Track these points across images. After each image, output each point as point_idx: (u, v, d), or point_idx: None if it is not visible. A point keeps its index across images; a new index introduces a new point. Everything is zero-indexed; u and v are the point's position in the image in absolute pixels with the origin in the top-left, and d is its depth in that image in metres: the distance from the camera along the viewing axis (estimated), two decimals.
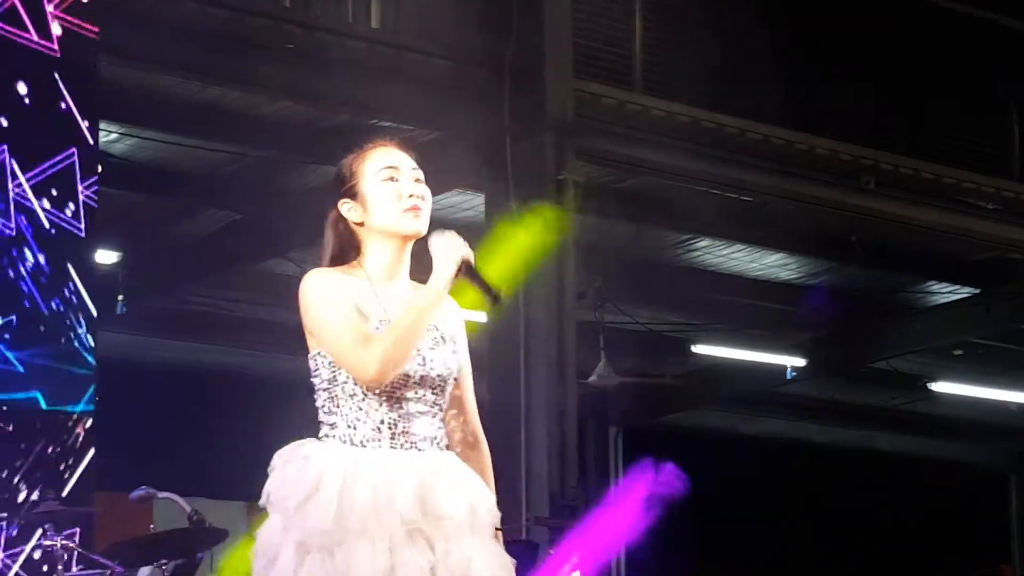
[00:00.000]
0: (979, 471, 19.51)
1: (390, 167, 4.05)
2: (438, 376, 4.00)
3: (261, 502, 3.97)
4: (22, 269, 8.86)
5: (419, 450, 3.94)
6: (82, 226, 8.90)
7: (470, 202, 11.50)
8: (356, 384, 3.92)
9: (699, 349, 15.19)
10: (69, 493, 8.89)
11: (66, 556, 6.92)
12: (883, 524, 18.44)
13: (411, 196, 4.02)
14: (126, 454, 10.00)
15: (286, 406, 11.89)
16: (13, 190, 8.67)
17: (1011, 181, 12.77)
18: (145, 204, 11.91)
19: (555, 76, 10.60)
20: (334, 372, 3.95)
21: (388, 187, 4.03)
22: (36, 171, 8.80)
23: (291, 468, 3.91)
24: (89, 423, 9.17)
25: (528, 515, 10.17)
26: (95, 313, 9.13)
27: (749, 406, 17.21)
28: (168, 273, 12.47)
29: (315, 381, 4.01)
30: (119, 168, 10.83)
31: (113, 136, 10.87)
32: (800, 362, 15.38)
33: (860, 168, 11.95)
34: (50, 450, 8.87)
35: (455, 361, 4.06)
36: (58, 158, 8.82)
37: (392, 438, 3.92)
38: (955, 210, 12.48)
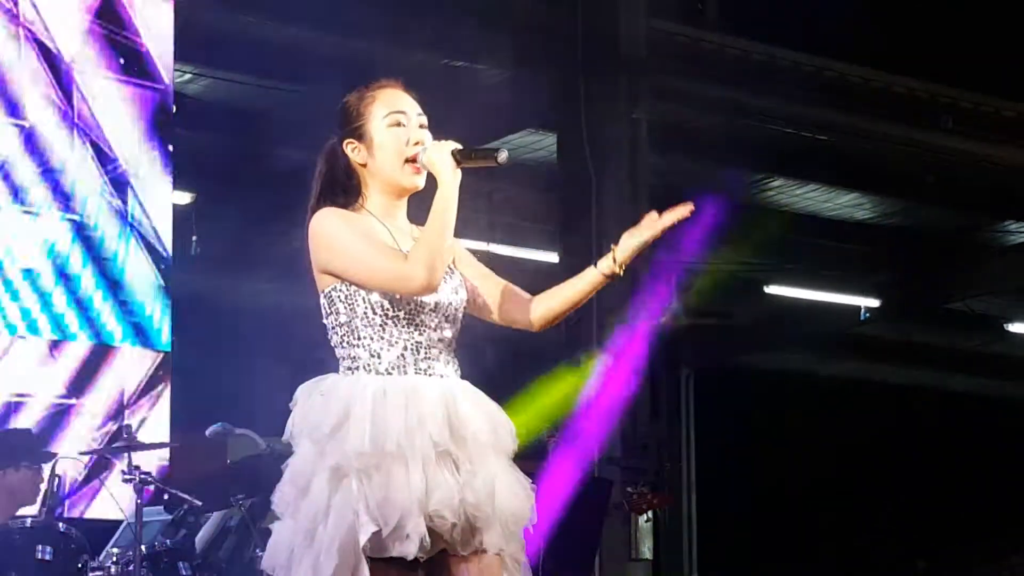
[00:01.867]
0: None
1: (398, 112, 4.09)
2: (449, 304, 4.05)
3: (285, 437, 4.01)
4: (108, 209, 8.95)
5: (440, 376, 4.01)
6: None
7: (542, 142, 11.47)
8: (376, 312, 3.98)
9: (772, 290, 15.13)
10: (147, 428, 9.01)
11: (144, 490, 6.99)
12: (958, 465, 18.36)
13: (415, 144, 4.05)
14: (202, 393, 10.08)
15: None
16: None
17: None
18: (220, 145, 11.95)
19: (628, 14, 10.53)
20: (352, 304, 3.99)
21: (394, 133, 4.07)
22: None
23: (317, 398, 3.95)
24: (166, 361, 9.28)
25: (600, 455, 10.19)
26: (171, 253, 9.22)
27: (823, 348, 17.14)
28: (244, 214, 12.51)
29: (330, 320, 4.04)
30: (194, 109, 10.88)
31: (187, 76, 10.91)
32: (875, 303, 15.29)
33: (939, 106, 11.83)
34: (130, 386, 8.97)
35: (464, 291, 4.12)
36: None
37: (415, 364, 3.98)
38: None
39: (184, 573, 7.19)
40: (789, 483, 16.98)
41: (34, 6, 8.94)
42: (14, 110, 8.83)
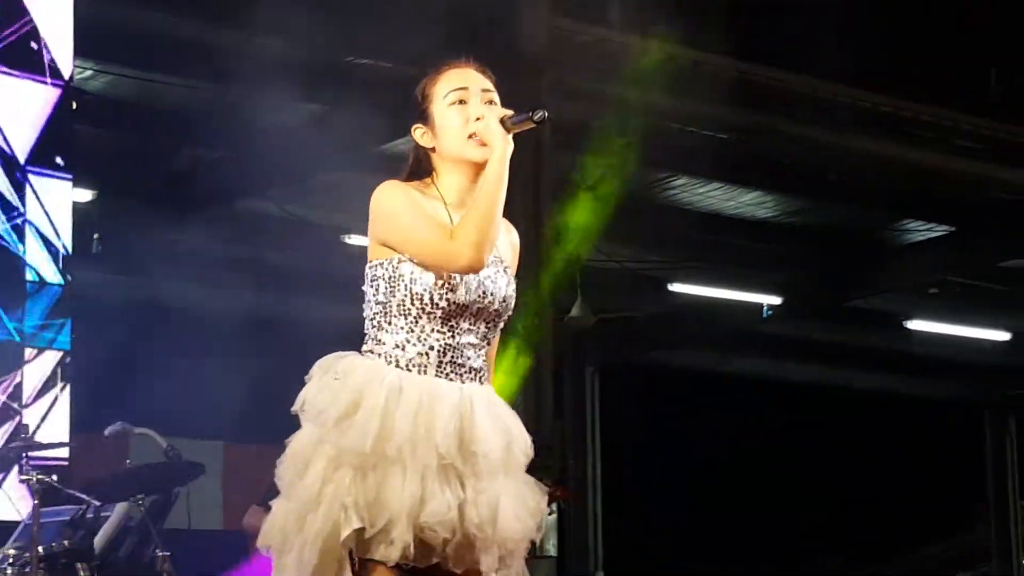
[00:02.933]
0: (954, 408, 19.62)
1: (459, 88, 4.01)
2: (498, 308, 3.97)
3: (294, 408, 3.89)
4: None
5: (463, 381, 3.91)
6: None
7: None
8: (414, 303, 3.88)
9: (676, 288, 15.22)
10: (46, 428, 8.91)
11: (43, 491, 6.91)
12: (859, 462, 18.54)
13: (477, 120, 3.95)
14: (101, 392, 10.00)
15: (261, 346, 11.97)
16: None
17: (989, 119, 12.76)
18: (122, 142, 11.86)
19: (529, 12, 10.55)
20: (393, 287, 3.90)
21: (455, 111, 3.99)
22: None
23: (331, 379, 3.86)
24: (66, 360, 9.18)
25: None
26: (71, 251, 9.13)
27: (726, 345, 17.26)
28: (145, 212, 12.42)
29: (370, 292, 3.96)
30: (95, 105, 10.78)
31: (88, 73, 10.81)
32: (777, 301, 15.42)
33: (838, 105, 11.93)
34: (27, 386, 8.88)
35: (513, 292, 4.03)
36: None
37: (439, 365, 3.88)
38: (933, 148, 12.47)
39: (82, 574, 7.12)
40: (693, 479, 17.08)
41: None
42: None
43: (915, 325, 16.73)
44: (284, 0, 9.62)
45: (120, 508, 7.52)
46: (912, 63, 12.08)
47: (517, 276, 4.09)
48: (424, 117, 4.03)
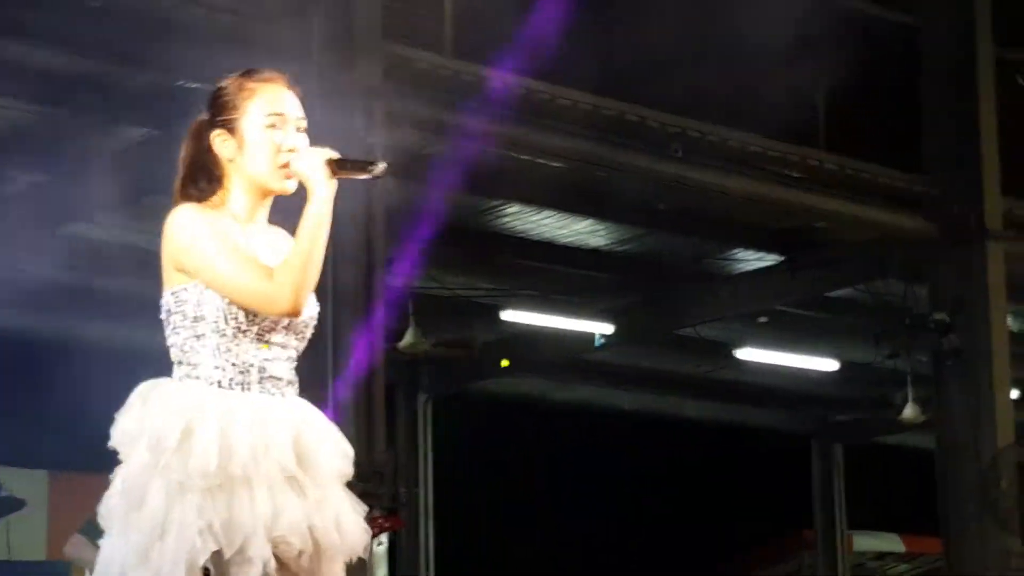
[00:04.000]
0: (782, 437, 19.87)
1: (276, 114, 3.94)
2: (303, 321, 3.93)
3: (112, 443, 3.80)
4: None
5: (283, 395, 3.88)
6: None
7: None
8: (227, 322, 3.81)
9: (508, 316, 15.23)
10: None
11: None
12: (690, 489, 18.69)
13: (289, 151, 3.90)
14: None
15: (86, 373, 11.75)
16: None
17: (816, 150, 12.95)
18: None
19: (364, 38, 10.51)
20: (201, 309, 3.83)
21: (269, 135, 3.93)
22: None
23: (154, 408, 3.78)
24: None
25: None
26: None
27: (559, 373, 17.32)
28: None
29: (175, 319, 3.87)
30: None
31: None
32: (608, 329, 15.49)
33: (668, 135, 12.03)
34: None
35: (316, 306, 3.99)
36: None
37: (260, 382, 3.84)
38: (761, 178, 12.62)
39: None
40: (525, 508, 17.10)
41: None
42: None
43: (744, 354, 16.91)
44: (108, 20, 9.48)
45: None
46: (740, 94, 12.22)
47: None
48: (229, 127, 3.94)
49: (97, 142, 11.13)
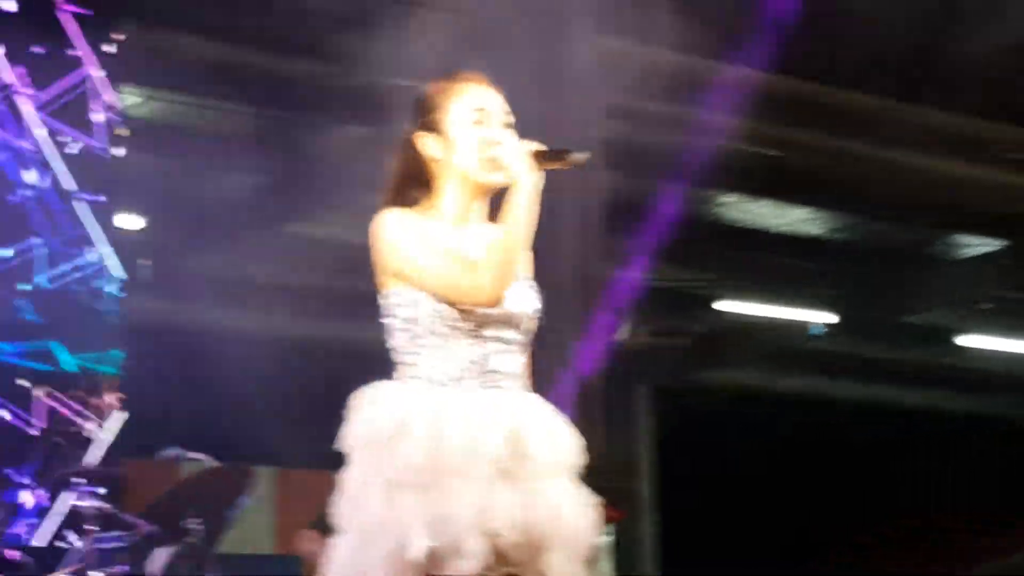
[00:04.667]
0: (1006, 424, 19.45)
1: (480, 110, 3.97)
2: (519, 314, 3.94)
3: (338, 444, 3.87)
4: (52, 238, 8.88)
5: (504, 389, 3.89)
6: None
7: None
8: (441, 320, 3.85)
9: (723, 306, 15.14)
10: (97, 455, 8.92)
11: (96, 517, 6.93)
12: (911, 480, 18.42)
13: (495, 144, 3.93)
14: (152, 418, 10.01)
15: (313, 371, 11.95)
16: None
17: None
18: (170, 168, 11.88)
19: (581, 31, 10.52)
20: (415, 309, 3.87)
21: (475, 132, 3.96)
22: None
23: (373, 409, 3.83)
24: (117, 386, 9.19)
25: None
26: (122, 276, 9.15)
27: (776, 363, 17.17)
28: (194, 238, 12.45)
29: (392, 321, 3.92)
30: (143, 132, 10.80)
31: (136, 100, 10.84)
32: (828, 318, 15.32)
33: (886, 120, 11.85)
34: (79, 413, 8.89)
35: (535, 299, 4.01)
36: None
37: (480, 376, 3.86)
38: (984, 162, 12.37)
39: None
40: (745, 498, 17.00)
41: None
42: None
43: (967, 341, 16.60)
44: (327, 23, 9.63)
45: (161, 553, 7.53)
46: (962, 76, 11.97)
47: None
48: (433, 127, 3.98)
49: (317, 142, 11.33)
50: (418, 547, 3.68)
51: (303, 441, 11.17)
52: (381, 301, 3.95)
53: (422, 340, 3.88)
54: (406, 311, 3.89)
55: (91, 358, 8.88)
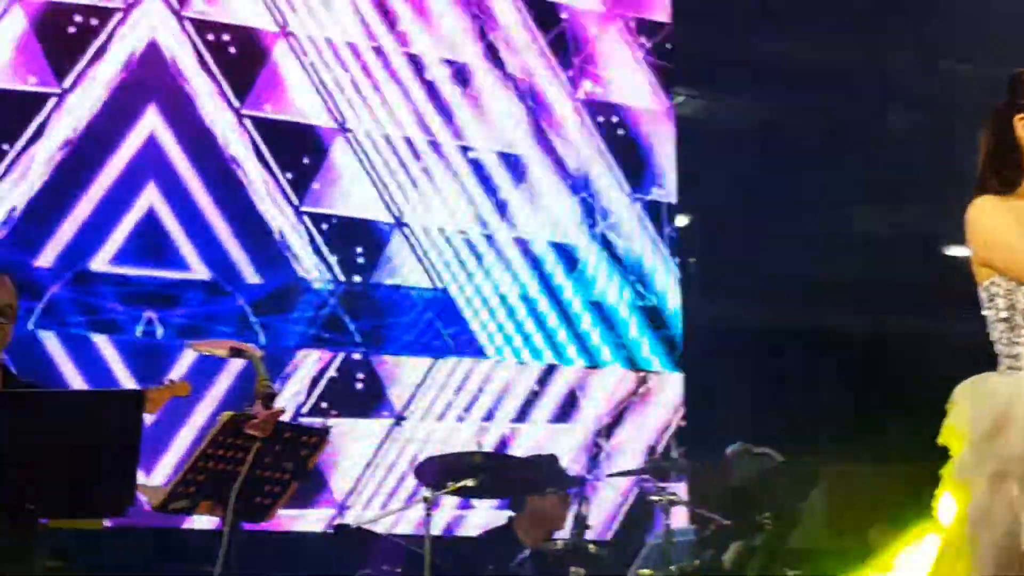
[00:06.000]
0: None
1: None
2: None
3: (942, 438, 3.81)
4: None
5: None
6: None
7: None
8: None
9: None
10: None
11: (670, 508, 7.06)
12: None
13: None
14: (714, 414, 10.12)
15: (868, 366, 11.75)
16: None
17: None
18: (720, 166, 11.93)
19: None
20: (1013, 299, 3.78)
21: None
22: None
23: (975, 400, 3.75)
24: (682, 383, 9.36)
25: None
26: (678, 276, 9.29)
27: None
28: (749, 240, 12.45)
29: (989, 315, 3.84)
30: (691, 131, 10.92)
31: (679, 99, 10.97)
32: None
33: None
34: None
35: None
36: None
37: None
38: None
39: None
40: None
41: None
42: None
43: None
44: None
45: (733, 547, 7.56)
46: None
47: None
48: None
49: (865, 130, 11.16)
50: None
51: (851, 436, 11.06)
52: (980, 293, 3.86)
53: (1021, 331, 3.78)
54: (1003, 302, 3.80)
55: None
